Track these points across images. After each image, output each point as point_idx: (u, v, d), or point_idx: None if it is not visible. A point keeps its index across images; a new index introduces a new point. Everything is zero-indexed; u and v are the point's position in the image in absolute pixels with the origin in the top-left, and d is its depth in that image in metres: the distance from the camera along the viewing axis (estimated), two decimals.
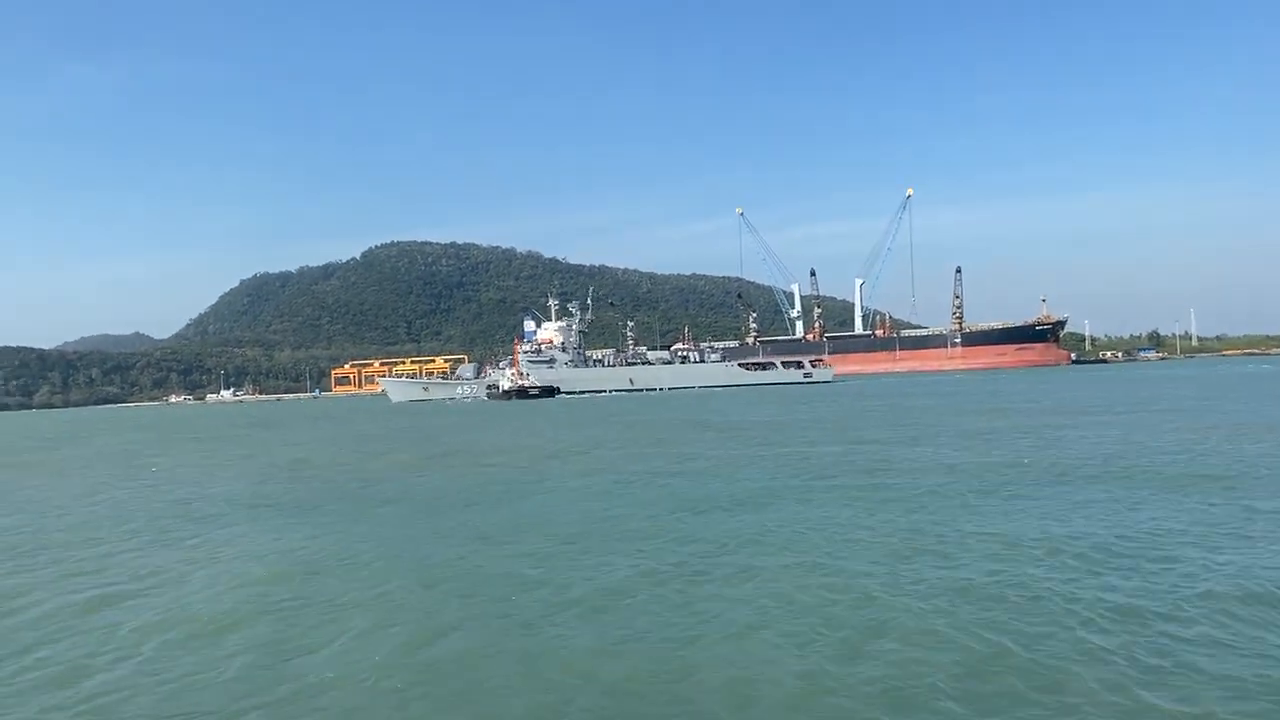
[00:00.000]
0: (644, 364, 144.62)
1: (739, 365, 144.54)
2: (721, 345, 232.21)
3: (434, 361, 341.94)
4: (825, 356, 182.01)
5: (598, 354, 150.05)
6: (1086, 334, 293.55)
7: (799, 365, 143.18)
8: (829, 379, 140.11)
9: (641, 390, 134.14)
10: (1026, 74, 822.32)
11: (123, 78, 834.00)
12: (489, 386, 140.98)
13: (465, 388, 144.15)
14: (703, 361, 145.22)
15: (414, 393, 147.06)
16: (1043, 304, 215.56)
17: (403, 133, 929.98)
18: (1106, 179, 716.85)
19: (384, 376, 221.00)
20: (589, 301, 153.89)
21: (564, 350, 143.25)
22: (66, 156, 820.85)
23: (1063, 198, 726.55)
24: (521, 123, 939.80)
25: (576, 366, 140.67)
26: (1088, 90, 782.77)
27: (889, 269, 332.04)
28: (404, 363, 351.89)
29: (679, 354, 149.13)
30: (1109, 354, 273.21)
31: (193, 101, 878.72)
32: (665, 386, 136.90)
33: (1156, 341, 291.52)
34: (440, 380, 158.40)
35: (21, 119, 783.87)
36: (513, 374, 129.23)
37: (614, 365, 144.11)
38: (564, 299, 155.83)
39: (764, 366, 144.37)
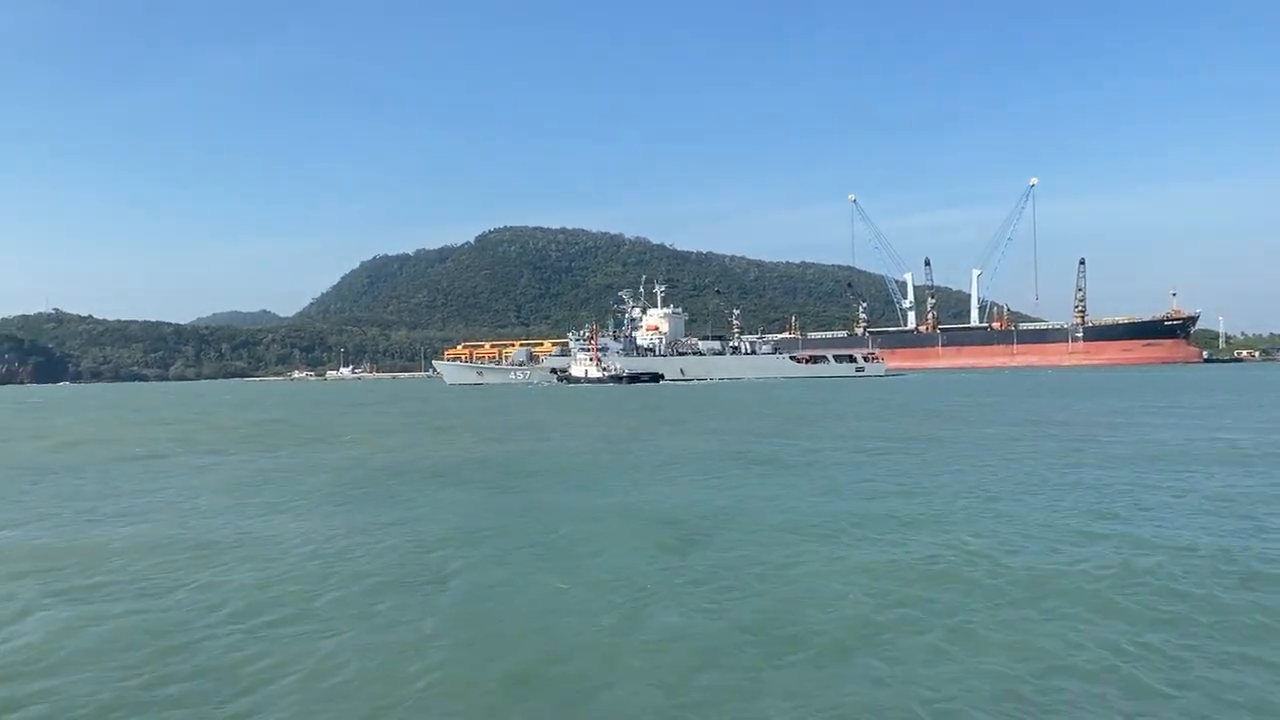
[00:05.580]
0: (695, 354, 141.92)
1: (790, 358, 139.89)
2: (829, 335, 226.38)
3: (542, 344, 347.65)
4: (909, 349, 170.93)
5: (647, 342, 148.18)
6: (1220, 331, 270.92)
7: (851, 359, 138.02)
8: (881, 373, 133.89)
9: (691, 380, 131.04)
10: (1147, 58, 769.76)
11: (261, 68, 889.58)
12: (554, 372, 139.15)
13: (517, 373, 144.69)
14: (754, 353, 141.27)
15: (468, 376, 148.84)
16: (1173, 298, 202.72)
17: (522, 124, 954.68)
18: (1245, 166, 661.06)
19: (452, 360, 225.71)
20: (640, 290, 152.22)
21: (616, 339, 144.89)
22: (204, 145, 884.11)
23: (1196, 187, 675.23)
24: (637, 114, 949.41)
25: (627, 355, 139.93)
26: (1210, 76, 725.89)
27: (1009, 260, 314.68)
28: (513, 345, 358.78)
29: (730, 345, 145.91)
30: (1244, 353, 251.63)
31: (320, 93, 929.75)
32: (716, 377, 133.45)
33: None
34: (492, 365, 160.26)
35: (167, 108, 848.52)
36: (590, 361, 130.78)
37: (665, 355, 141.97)
38: (670, 285, 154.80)
39: (816, 360, 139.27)
